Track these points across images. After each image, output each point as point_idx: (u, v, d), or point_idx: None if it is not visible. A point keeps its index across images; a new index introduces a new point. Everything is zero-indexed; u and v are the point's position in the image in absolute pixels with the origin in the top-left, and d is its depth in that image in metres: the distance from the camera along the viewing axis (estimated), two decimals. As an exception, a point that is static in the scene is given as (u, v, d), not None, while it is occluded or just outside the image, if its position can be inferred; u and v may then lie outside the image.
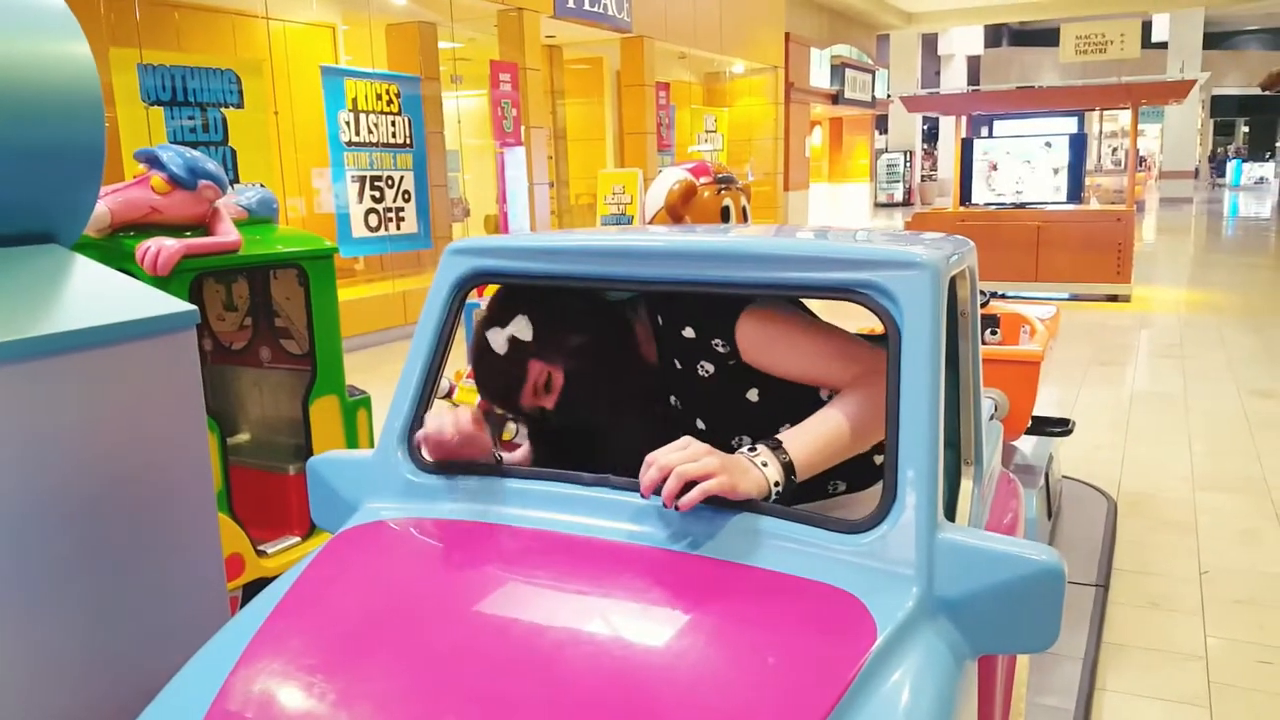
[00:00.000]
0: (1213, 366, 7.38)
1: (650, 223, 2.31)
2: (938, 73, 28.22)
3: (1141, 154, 17.61)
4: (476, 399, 4.03)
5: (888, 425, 1.32)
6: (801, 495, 1.55)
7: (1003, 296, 4.82)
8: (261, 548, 3.05)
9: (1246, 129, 36.12)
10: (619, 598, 1.28)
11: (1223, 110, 32.01)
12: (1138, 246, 10.55)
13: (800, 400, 1.60)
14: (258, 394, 3.45)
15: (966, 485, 1.76)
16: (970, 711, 1.33)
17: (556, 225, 12.54)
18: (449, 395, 4.17)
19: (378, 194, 9.94)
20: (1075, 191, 10.34)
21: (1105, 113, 21.72)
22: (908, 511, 1.27)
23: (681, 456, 1.30)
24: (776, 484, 1.35)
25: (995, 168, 10.64)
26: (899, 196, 26.66)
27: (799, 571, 1.27)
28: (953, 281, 1.55)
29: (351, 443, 3.32)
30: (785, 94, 17.74)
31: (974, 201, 10.71)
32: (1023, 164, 10.52)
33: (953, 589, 1.24)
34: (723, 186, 2.30)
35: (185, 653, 1.66)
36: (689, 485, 1.29)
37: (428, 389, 1.60)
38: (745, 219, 2.42)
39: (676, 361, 1.66)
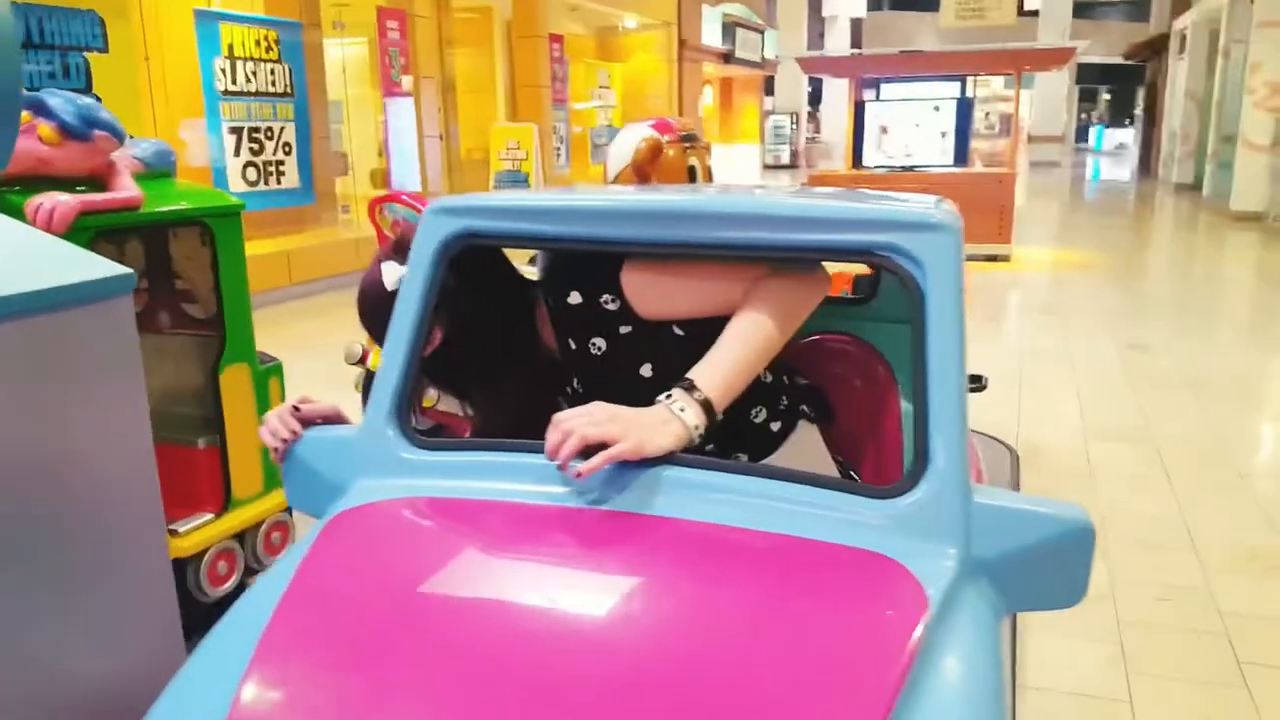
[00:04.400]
0: (1090, 322, 7.71)
1: (614, 182, 2.24)
2: (821, 34, 28.48)
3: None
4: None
5: (916, 390, 1.30)
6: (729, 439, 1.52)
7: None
8: (173, 526, 2.89)
9: (1108, 96, 37.75)
10: (659, 574, 1.22)
11: (1087, 78, 33.28)
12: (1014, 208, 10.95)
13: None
14: (159, 363, 3.22)
15: None
16: (1008, 670, 1.32)
17: (447, 180, 12.23)
18: (362, 361, 4.03)
19: (256, 146, 9.50)
20: (962, 154, 10.61)
21: (978, 79, 22.35)
22: (942, 474, 1.25)
23: (585, 420, 1.28)
24: (697, 427, 1.32)
25: (885, 131, 10.83)
26: (785, 159, 26.94)
27: (836, 538, 1.23)
28: None
29: (264, 413, 3.16)
30: (679, 51, 17.67)
31: (865, 164, 10.89)
32: (912, 128, 10.74)
33: (989, 550, 1.23)
34: (688, 144, 2.24)
35: (131, 643, 1.55)
36: (593, 450, 1.27)
37: (414, 362, 1.50)
38: (710, 178, 2.38)
39: (571, 341, 1.62)
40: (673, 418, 1.32)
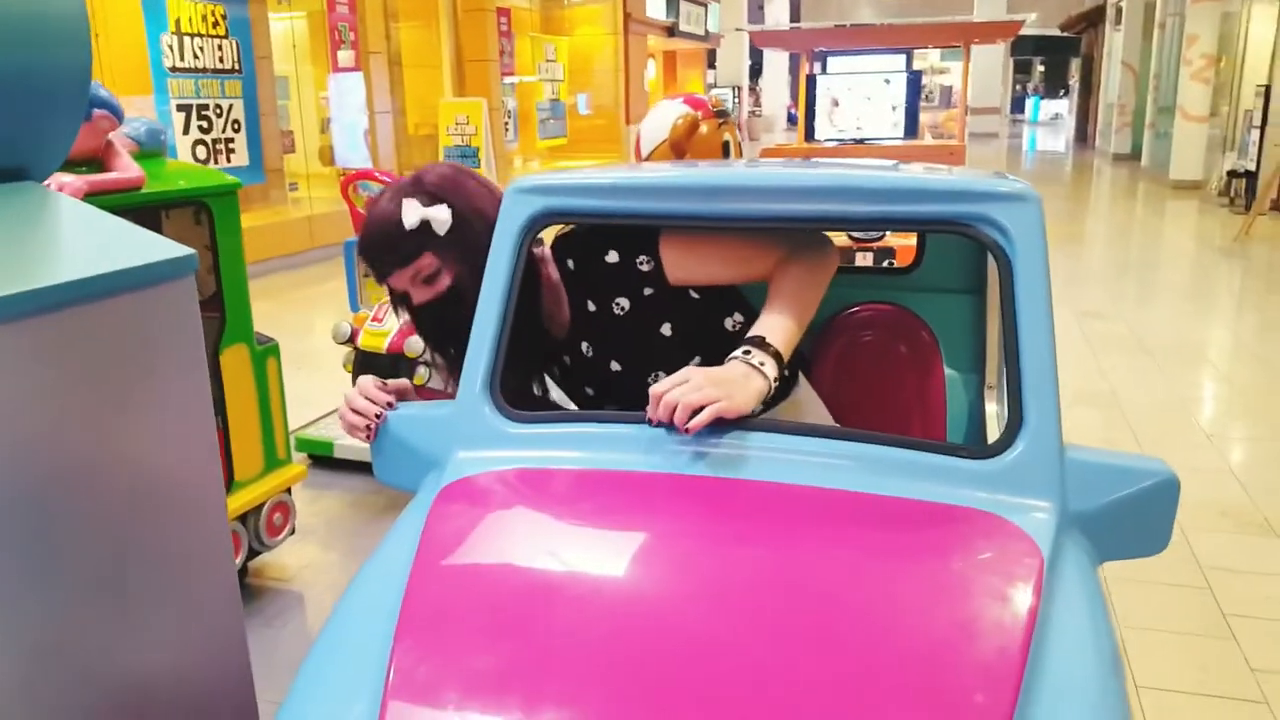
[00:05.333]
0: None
1: (649, 159, 2.26)
2: (761, 7, 28.52)
3: (952, 91, 18.41)
4: (385, 343, 3.89)
5: (1006, 354, 1.36)
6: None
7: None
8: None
9: (1043, 68, 38.37)
10: (773, 544, 1.25)
11: (1022, 50, 33.79)
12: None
13: (708, 332, 1.66)
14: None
15: (991, 408, 1.85)
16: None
17: (398, 157, 12.07)
18: (350, 340, 4.00)
19: (205, 124, 9.32)
20: (912, 127, 10.73)
21: (918, 51, 22.58)
22: (1039, 433, 1.31)
23: (686, 387, 1.34)
24: (775, 379, 1.39)
25: (837, 104, 10.90)
26: (728, 131, 26.95)
27: (945, 499, 1.28)
28: None
29: (263, 393, 3.14)
30: (624, 23, 17.58)
31: (817, 137, 10.96)
32: (863, 101, 10.83)
33: (1084, 503, 1.30)
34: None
35: (196, 643, 1.52)
36: (696, 411, 1.32)
37: (504, 338, 1.52)
38: (740, 153, 2.41)
39: (591, 301, 1.66)
40: (753, 371, 1.38)
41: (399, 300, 1.68)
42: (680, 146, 2.20)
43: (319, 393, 4.79)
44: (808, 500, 1.30)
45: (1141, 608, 3.03)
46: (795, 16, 28.64)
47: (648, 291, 1.63)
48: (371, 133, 11.13)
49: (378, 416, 1.57)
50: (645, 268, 1.61)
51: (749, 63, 27.86)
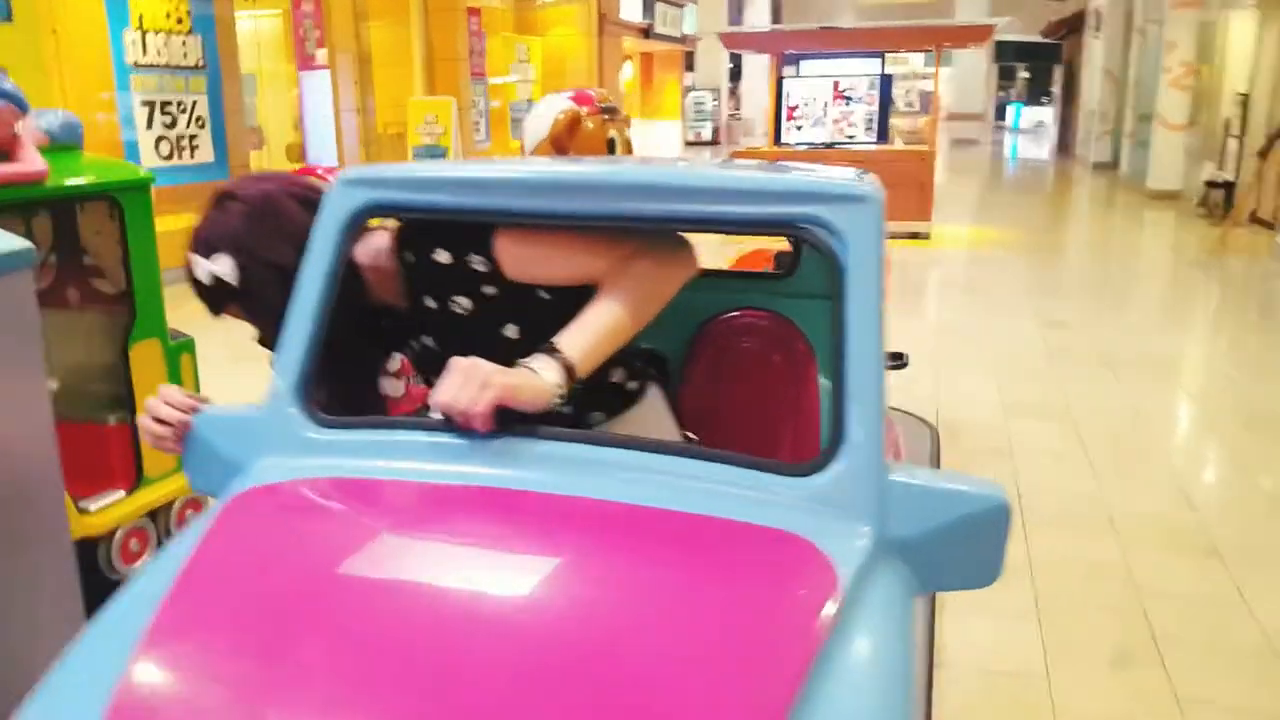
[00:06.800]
0: (1009, 299, 7.87)
1: (532, 155, 2.19)
2: (740, 9, 28.46)
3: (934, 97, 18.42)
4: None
5: (834, 365, 1.29)
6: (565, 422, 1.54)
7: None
8: (83, 504, 2.81)
9: (1027, 75, 38.45)
10: (565, 556, 1.20)
11: (1005, 56, 33.84)
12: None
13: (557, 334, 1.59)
14: (68, 339, 3.12)
15: None
16: (916, 649, 1.32)
17: (364, 155, 11.97)
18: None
19: (169, 120, 9.23)
20: (883, 131, 10.71)
21: (897, 56, 22.59)
22: (858, 452, 1.24)
23: (466, 395, 1.29)
24: (558, 385, 1.33)
25: (807, 108, 10.86)
26: (707, 135, 26.91)
27: (748, 517, 1.22)
28: None
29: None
30: (599, 25, 17.50)
31: (786, 141, 10.92)
32: (834, 105, 10.79)
33: (904, 529, 1.23)
34: (607, 117, 2.20)
35: (30, 623, 1.45)
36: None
37: (319, 338, 1.45)
38: (630, 151, 2.33)
39: (429, 299, 1.60)
40: (534, 375, 1.33)
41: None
42: (561, 143, 2.13)
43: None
44: (604, 517, 1.24)
45: (1068, 630, 2.97)
46: (776, 20, 28.63)
47: (489, 290, 1.55)
48: (337, 130, 11.03)
49: (176, 423, 1.49)
50: (481, 267, 1.54)
51: (729, 65, 27.78)
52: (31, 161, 2.62)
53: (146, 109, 8.88)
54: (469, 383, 1.28)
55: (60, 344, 3.21)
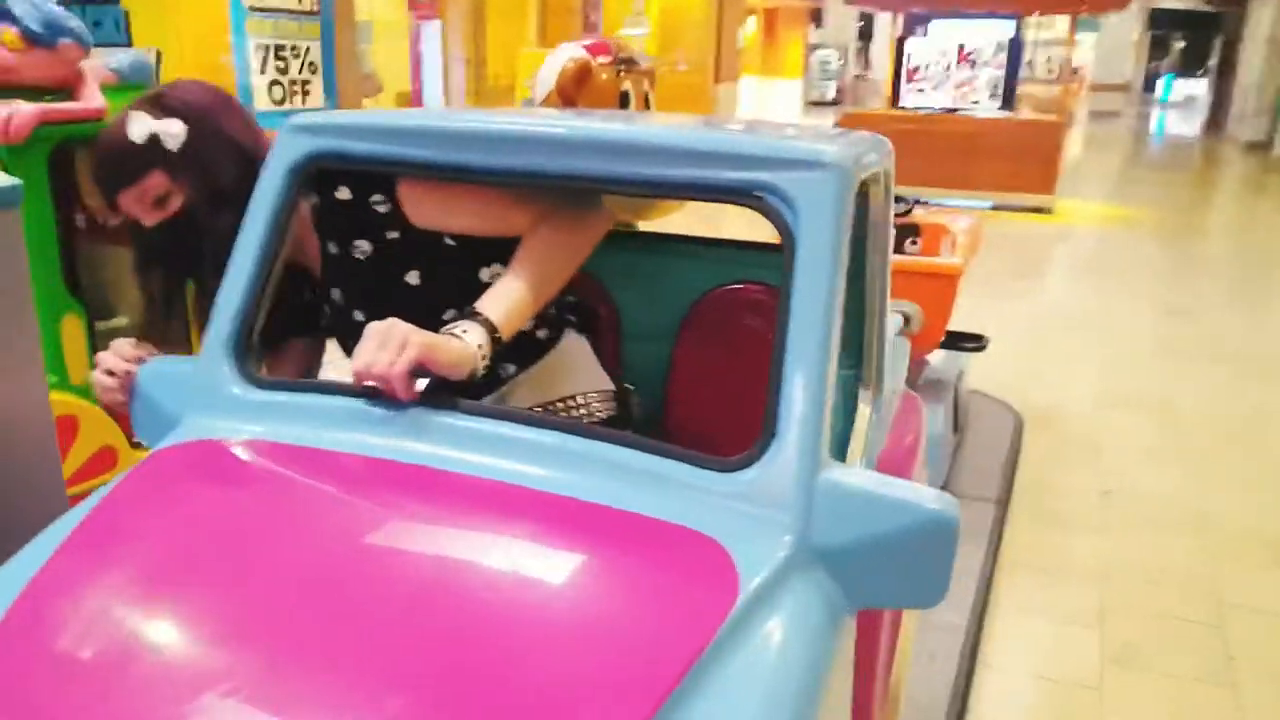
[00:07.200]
0: (1128, 282, 7.36)
1: (541, 106, 2.04)
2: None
3: (1074, 65, 17.36)
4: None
5: (774, 348, 1.17)
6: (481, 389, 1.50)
7: (924, 203, 4.63)
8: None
9: (1182, 45, 36.10)
10: (454, 541, 1.16)
11: (1160, 25, 31.78)
12: (1064, 158, 10.46)
13: (463, 283, 1.51)
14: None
15: (864, 411, 1.62)
16: (845, 670, 1.23)
17: (470, 105, 11.98)
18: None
19: (282, 65, 9.39)
20: (1008, 99, 10.16)
21: (1041, 20, 21.42)
22: (787, 448, 1.13)
23: (381, 355, 1.24)
24: (480, 346, 1.30)
25: (929, 70, 10.37)
26: (830, 95, 26.14)
27: (657, 513, 1.13)
28: (864, 186, 1.39)
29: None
30: (722, -22, 17.08)
31: (904, 105, 10.46)
32: (959, 69, 10.27)
33: (833, 537, 1.11)
34: (623, 68, 2.03)
35: None
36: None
37: (260, 290, 1.41)
38: (647, 107, 2.15)
39: (332, 244, 1.54)
40: (455, 338, 1.29)
41: (132, 229, 1.57)
42: (568, 93, 1.98)
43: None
44: (508, 501, 1.18)
45: (1133, 640, 2.69)
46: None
47: (391, 235, 1.48)
48: (445, 80, 11.06)
49: (121, 374, 1.47)
50: (382, 209, 1.46)
51: (859, 23, 26.80)
52: (90, 99, 2.60)
53: (261, 52, 9.03)
54: (386, 344, 1.23)
55: (127, 280, 3.21)
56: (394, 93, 11.73)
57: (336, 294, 1.58)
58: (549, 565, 1.12)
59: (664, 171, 1.27)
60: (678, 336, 2.00)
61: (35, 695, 0.95)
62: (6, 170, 2.12)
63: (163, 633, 1.03)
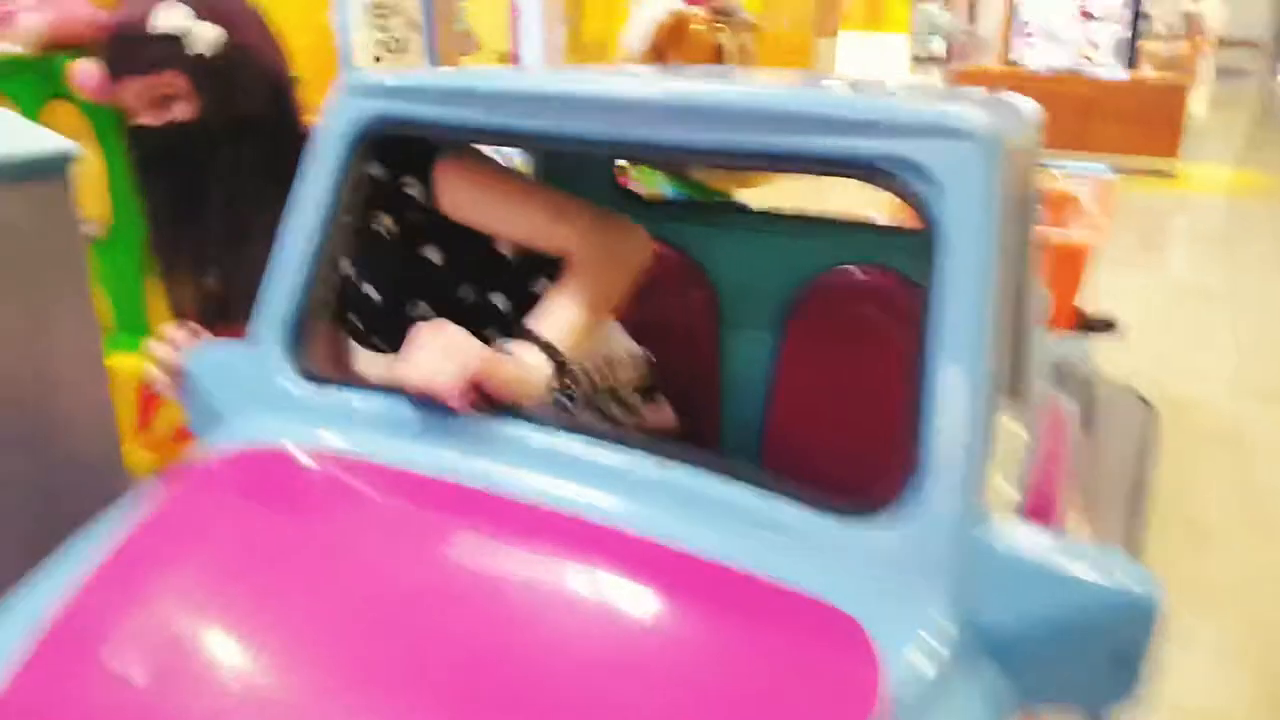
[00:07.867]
0: (1265, 258, 6.88)
1: (635, 61, 1.93)
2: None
3: (1200, 19, 16.45)
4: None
5: (922, 358, 0.96)
6: None
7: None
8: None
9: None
10: (519, 598, 0.98)
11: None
12: (1188, 120, 9.88)
13: (485, 262, 1.46)
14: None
15: (1012, 429, 1.39)
16: None
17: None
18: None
19: (382, 22, 9.50)
20: (1131, 57, 9.65)
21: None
22: (944, 494, 0.90)
23: (446, 366, 1.13)
24: (536, 367, 1.20)
25: (1046, 25, 9.91)
26: (940, 51, 25.27)
27: (779, 573, 0.91)
28: (1015, 157, 1.16)
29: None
30: (826, -70, 16.53)
31: (1018, 62, 10.02)
32: (1077, 23, 9.79)
33: (999, 614, 0.88)
34: (720, 20, 1.89)
35: None
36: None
37: (318, 268, 1.27)
38: (746, 61, 2.01)
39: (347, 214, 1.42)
40: (509, 357, 1.20)
41: (131, 132, 1.46)
42: (662, 49, 1.85)
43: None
44: (590, 545, 1.00)
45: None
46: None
47: (416, 215, 1.41)
48: (544, 38, 10.95)
49: (173, 364, 1.37)
50: (414, 192, 1.39)
51: (968, -23, 25.83)
52: None
53: (361, 8, 9.10)
54: (450, 355, 1.14)
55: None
56: (492, 51, 11.68)
57: (348, 266, 1.48)
58: (631, 637, 0.93)
59: (772, 141, 1.06)
60: (784, 327, 1.79)
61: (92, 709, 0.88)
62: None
63: (222, 654, 0.94)
